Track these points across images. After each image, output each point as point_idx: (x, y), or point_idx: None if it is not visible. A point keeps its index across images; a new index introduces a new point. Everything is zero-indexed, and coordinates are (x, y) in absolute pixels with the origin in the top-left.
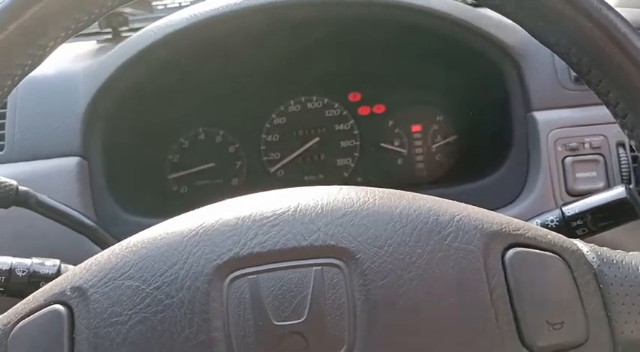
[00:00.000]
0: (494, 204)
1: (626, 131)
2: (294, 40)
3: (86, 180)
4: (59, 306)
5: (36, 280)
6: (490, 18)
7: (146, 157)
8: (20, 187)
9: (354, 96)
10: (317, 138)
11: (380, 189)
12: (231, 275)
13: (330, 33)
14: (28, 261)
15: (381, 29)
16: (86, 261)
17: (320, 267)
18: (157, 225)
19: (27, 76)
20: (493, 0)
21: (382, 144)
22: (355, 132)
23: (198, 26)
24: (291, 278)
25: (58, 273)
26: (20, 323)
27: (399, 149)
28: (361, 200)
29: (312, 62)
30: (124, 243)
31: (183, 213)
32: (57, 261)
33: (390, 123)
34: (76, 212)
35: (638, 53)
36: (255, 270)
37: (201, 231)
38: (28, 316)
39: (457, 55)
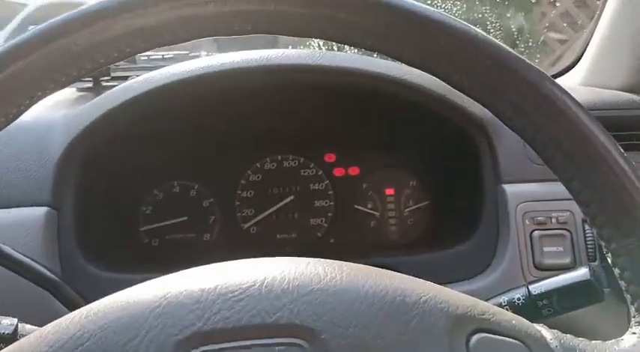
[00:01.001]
0: (463, 274)
1: (581, 207)
2: (273, 101)
3: (54, 232)
4: None
5: None
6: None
7: (118, 208)
8: None
9: (329, 157)
10: (291, 197)
11: (348, 264)
12: None
13: (309, 96)
14: None
15: (357, 96)
16: (44, 328)
17: (284, 347)
18: (121, 292)
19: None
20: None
21: (356, 206)
22: (330, 192)
23: (179, 84)
24: None
25: (15, 333)
26: None
27: (372, 211)
28: (328, 276)
29: (290, 122)
30: (85, 310)
31: (152, 267)
32: (14, 320)
33: (364, 185)
34: (38, 265)
35: (589, 131)
36: (217, 348)
37: (164, 302)
38: None
39: (430, 123)
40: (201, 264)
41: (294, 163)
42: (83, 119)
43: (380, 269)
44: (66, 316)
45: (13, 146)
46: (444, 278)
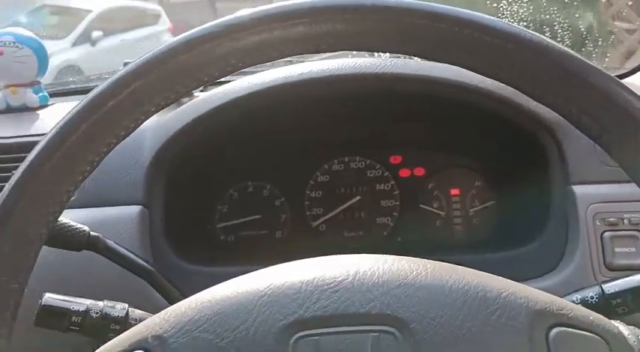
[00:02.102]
0: (532, 273)
1: None
2: (342, 107)
3: (146, 228)
4: None
5: (107, 322)
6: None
7: (198, 207)
8: (92, 233)
9: (395, 159)
10: (358, 197)
11: (431, 261)
12: (296, 336)
13: (377, 102)
14: (100, 304)
15: (424, 101)
16: (164, 311)
17: (377, 334)
18: (227, 283)
19: None
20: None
21: (421, 206)
22: (395, 192)
23: (263, 93)
24: (350, 341)
25: (127, 316)
26: None
27: (437, 211)
28: (414, 272)
29: (357, 126)
30: (199, 297)
31: (229, 261)
32: (125, 305)
33: (430, 185)
34: (138, 258)
35: None
36: (318, 332)
37: (269, 291)
38: None
39: (497, 126)
40: (274, 260)
41: (361, 165)
42: (174, 124)
43: (460, 266)
44: (181, 303)
45: None
46: (511, 278)
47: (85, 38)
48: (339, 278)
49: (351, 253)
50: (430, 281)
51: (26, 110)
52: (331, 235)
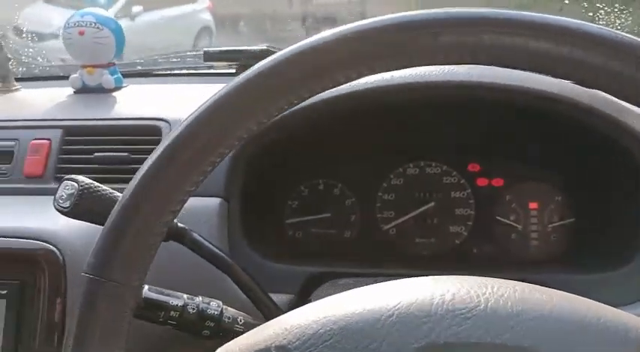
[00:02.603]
0: (620, 299)
1: None
2: (423, 112)
3: (224, 220)
4: None
5: (203, 319)
6: (624, 106)
7: (271, 202)
8: (179, 224)
9: (473, 167)
10: (432, 203)
11: (559, 292)
12: None
13: (457, 109)
14: (197, 300)
15: (507, 110)
16: (283, 321)
17: None
18: (347, 294)
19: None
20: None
21: (497, 217)
22: (471, 201)
23: (348, 96)
24: None
25: (221, 314)
26: None
27: (514, 224)
28: (549, 304)
29: (436, 132)
30: (321, 309)
31: (296, 257)
32: (220, 303)
33: (508, 197)
34: (221, 252)
35: None
36: None
37: (396, 311)
38: None
39: (584, 139)
40: (342, 259)
41: (437, 170)
42: None
43: (590, 300)
44: (301, 313)
45: None
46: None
47: (125, 12)
48: (471, 304)
49: (421, 260)
50: (568, 316)
51: (102, 91)
52: (401, 240)
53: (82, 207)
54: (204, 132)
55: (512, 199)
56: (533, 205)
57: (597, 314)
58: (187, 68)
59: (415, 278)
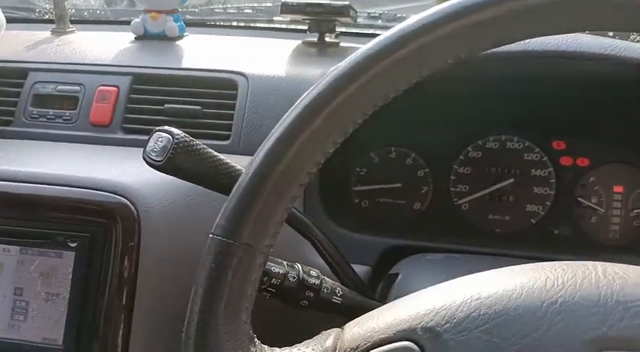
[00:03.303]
0: None
1: None
2: (509, 83)
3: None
4: (412, 344)
5: (303, 288)
6: None
7: (339, 166)
8: None
9: (558, 145)
10: (511, 180)
11: None
12: None
13: (547, 82)
14: (297, 268)
15: (601, 85)
16: (426, 300)
17: None
18: (501, 275)
19: (263, 75)
20: None
21: (579, 199)
22: (552, 180)
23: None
24: None
25: (320, 285)
26: (372, 351)
27: (595, 207)
28: None
29: (521, 105)
30: (472, 290)
31: (366, 228)
32: (319, 272)
33: (592, 178)
34: (303, 216)
35: None
36: None
37: (560, 299)
38: (378, 346)
39: None
40: (411, 232)
41: (519, 146)
42: None
43: None
44: (447, 293)
45: (271, 99)
46: None
47: None
48: None
49: (495, 238)
50: None
51: (164, 39)
52: (474, 216)
53: (175, 162)
54: (354, 88)
55: (596, 181)
56: (617, 188)
57: None
58: (248, 20)
59: (565, 261)
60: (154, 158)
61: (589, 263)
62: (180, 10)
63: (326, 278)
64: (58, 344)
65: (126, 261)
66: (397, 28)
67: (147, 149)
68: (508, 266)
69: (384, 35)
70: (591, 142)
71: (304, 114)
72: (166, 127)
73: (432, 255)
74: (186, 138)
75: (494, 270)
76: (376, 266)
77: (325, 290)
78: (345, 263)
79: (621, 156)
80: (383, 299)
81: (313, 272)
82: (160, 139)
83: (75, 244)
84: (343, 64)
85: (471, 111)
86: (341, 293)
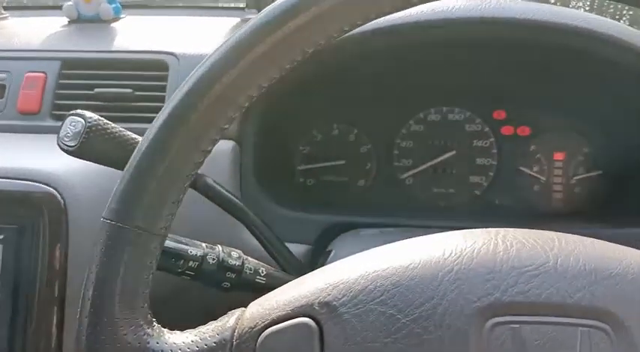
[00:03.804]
0: None
1: None
2: (445, 53)
3: (237, 164)
4: (309, 320)
5: (223, 269)
6: None
7: (281, 146)
8: None
9: (498, 114)
10: (453, 151)
11: (631, 249)
12: (492, 321)
13: (484, 49)
14: (217, 249)
15: (539, 51)
16: (325, 275)
17: (587, 329)
18: (402, 247)
19: (195, 55)
20: None
21: (520, 168)
22: (494, 151)
23: (372, 33)
24: (556, 335)
25: (242, 265)
26: (268, 329)
27: (537, 175)
28: (624, 262)
29: (462, 75)
30: (367, 264)
31: (310, 206)
32: (240, 253)
33: (532, 147)
34: (235, 198)
35: None
36: (518, 320)
37: (456, 267)
38: (275, 323)
39: (624, 88)
40: (358, 209)
41: (460, 117)
42: None
43: None
44: (344, 267)
45: None
46: None
47: None
48: (539, 261)
49: (439, 211)
50: None
51: (99, 21)
52: (419, 190)
53: (90, 147)
54: (246, 63)
55: (537, 149)
56: (558, 156)
57: None
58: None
59: (468, 229)
60: (67, 143)
61: (492, 230)
62: None
63: (249, 258)
64: None
65: (55, 252)
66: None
67: (60, 134)
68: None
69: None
70: (531, 111)
71: (197, 87)
72: (79, 111)
73: (368, 230)
74: (100, 122)
75: (398, 242)
76: (317, 244)
77: (248, 271)
78: (280, 243)
79: (561, 124)
80: None
81: (234, 253)
82: (73, 123)
83: (2, 236)
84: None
85: (411, 84)
86: (265, 272)
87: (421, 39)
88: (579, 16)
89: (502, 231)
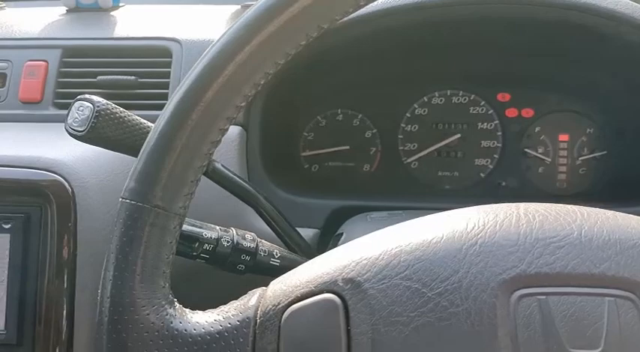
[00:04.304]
0: None
1: None
2: (448, 35)
3: (243, 149)
4: (333, 296)
5: (238, 252)
6: None
7: (286, 132)
8: None
9: (502, 97)
10: (458, 135)
11: None
12: (519, 293)
13: (490, 32)
14: (231, 232)
15: (548, 30)
16: (348, 252)
17: (613, 298)
18: (423, 223)
19: (197, 41)
20: None
21: (525, 150)
22: (499, 133)
23: (366, 18)
24: (583, 305)
25: (257, 248)
26: (292, 306)
27: (542, 156)
28: None
29: (465, 58)
30: (390, 239)
31: (315, 191)
32: (254, 235)
33: (537, 129)
34: (245, 183)
35: None
36: (545, 291)
37: (480, 240)
38: (299, 300)
39: (632, 64)
40: (364, 194)
41: (464, 100)
42: None
43: None
44: (366, 244)
45: None
46: None
47: None
48: (563, 232)
49: (444, 194)
50: None
51: (98, 10)
52: (424, 173)
53: (99, 132)
54: (258, 41)
55: (542, 131)
56: (563, 137)
57: None
58: None
59: (490, 205)
60: (76, 128)
61: (512, 204)
62: None
63: (263, 241)
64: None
65: (64, 241)
66: None
67: (68, 120)
68: None
69: None
70: (535, 92)
71: (212, 66)
72: (87, 95)
73: (377, 214)
74: (109, 106)
75: (417, 219)
76: (325, 228)
77: (262, 253)
78: (290, 227)
79: (565, 105)
80: None
81: (248, 236)
82: (81, 108)
83: (9, 226)
84: (247, 14)
85: (414, 68)
86: (279, 255)
87: (422, 19)
88: None
89: (523, 205)
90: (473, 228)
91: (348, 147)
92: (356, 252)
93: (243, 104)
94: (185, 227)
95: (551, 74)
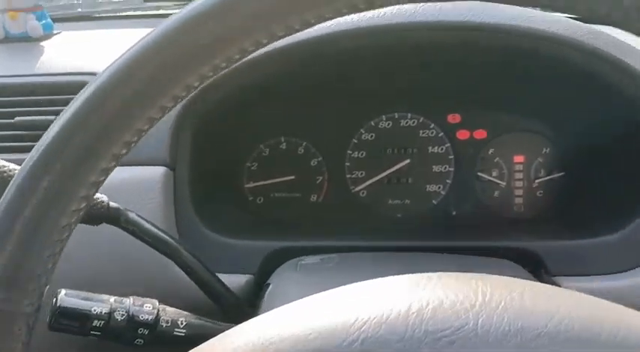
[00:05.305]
0: (603, 268)
1: None
2: (393, 57)
3: (170, 191)
4: None
5: (134, 325)
6: (623, 45)
7: (225, 165)
8: (111, 204)
9: (453, 118)
10: (407, 160)
11: (575, 293)
12: None
13: (434, 52)
14: (127, 302)
15: (495, 53)
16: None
17: None
18: (298, 309)
19: None
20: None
21: (479, 173)
22: (450, 156)
23: (303, 44)
24: None
25: (157, 319)
26: None
27: (496, 180)
28: (556, 318)
29: (412, 79)
30: (264, 337)
31: (259, 227)
32: (155, 303)
33: (491, 151)
34: (162, 233)
35: None
36: None
37: (362, 336)
38: None
39: (582, 84)
40: (308, 226)
41: (413, 123)
42: None
43: (607, 302)
44: (239, 332)
45: None
46: (581, 267)
47: None
48: (457, 323)
49: (395, 224)
50: (579, 332)
51: (27, 40)
52: (373, 202)
53: None
54: (140, 76)
55: (496, 153)
56: (518, 159)
57: (617, 327)
58: (130, 9)
59: (389, 277)
60: None
61: (421, 276)
62: (42, 7)
63: (166, 308)
64: None
65: None
66: None
67: None
68: (391, 262)
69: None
70: (487, 113)
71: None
72: None
73: (309, 258)
74: None
75: (311, 297)
76: (259, 274)
77: (164, 324)
78: (216, 279)
79: (519, 125)
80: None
81: (148, 306)
82: None
83: None
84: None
85: (359, 91)
86: (185, 323)
87: (365, 44)
88: (523, 15)
89: (425, 277)
90: (357, 317)
91: (293, 177)
92: (231, 340)
93: (124, 150)
94: (71, 301)
95: (503, 93)
